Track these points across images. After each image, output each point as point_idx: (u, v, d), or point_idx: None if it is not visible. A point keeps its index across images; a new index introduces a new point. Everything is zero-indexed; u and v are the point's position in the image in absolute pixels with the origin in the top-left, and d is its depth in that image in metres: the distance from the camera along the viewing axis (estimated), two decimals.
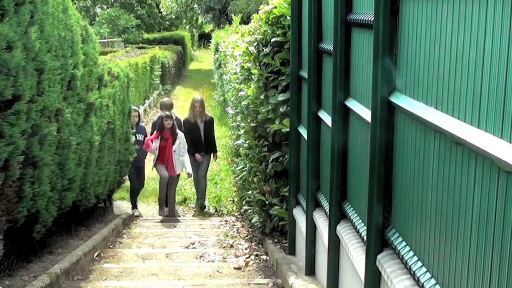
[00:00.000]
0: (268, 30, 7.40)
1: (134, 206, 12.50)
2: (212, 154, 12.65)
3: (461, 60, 2.60)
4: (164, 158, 11.74)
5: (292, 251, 7.10)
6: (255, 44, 7.67)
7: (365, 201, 3.98)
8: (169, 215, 12.05)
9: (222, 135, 17.88)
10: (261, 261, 7.69)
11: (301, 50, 6.64)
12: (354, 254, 4.31)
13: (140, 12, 48.48)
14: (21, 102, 5.60)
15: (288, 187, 7.14)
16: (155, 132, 11.86)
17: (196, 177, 12.49)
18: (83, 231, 8.91)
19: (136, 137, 11.79)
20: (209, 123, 12.49)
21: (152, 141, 11.59)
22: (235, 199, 11.94)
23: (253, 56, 7.70)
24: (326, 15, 5.58)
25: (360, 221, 4.41)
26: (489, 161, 2.35)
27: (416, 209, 3.26)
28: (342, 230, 4.77)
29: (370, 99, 3.70)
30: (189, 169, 11.83)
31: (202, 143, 12.31)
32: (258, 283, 6.68)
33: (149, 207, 13.36)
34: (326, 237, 5.24)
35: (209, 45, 40.44)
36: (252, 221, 8.50)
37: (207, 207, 12.77)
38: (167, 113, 11.81)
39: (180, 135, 11.81)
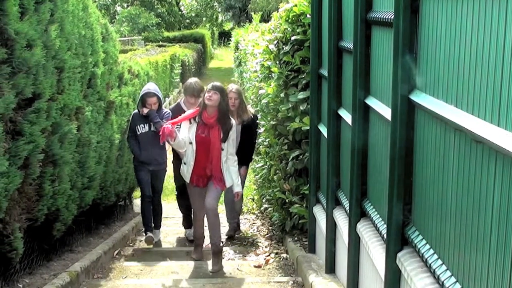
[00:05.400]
0: (288, 28, 7.39)
1: (147, 229, 8.66)
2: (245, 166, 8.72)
3: (481, 58, 2.58)
4: (204, 163, 7.08)
5: (312, 249, 7.08)
6: (275, 42, 7.65)
7: (385, 199, 3.96)
8: (212, 267, 7.32)
9: None
10: (281, 259, 7.68)
11: (321, 48, 6.62)
12: (374, 252, 4.29)
13: (160, 10, 48.74)
14: (41, 100, 5.63)
15: (308, 185, 7.12)
16: (188, 112, 7.21)
17: (226, 195, 8.72)
18: (103, 229, 8.94)
19: (150, 126, 8.22)
20: (249, 126, 8.51)
21: (174, 127, 6.71)
22: (255, 197, 11.90)
23: (273, 54, 7.69)
24: (346, 13, 5.56)
25: (380, 219, 4.39)
26: (509, 159, 2.33)
27: (436, 207, 3.24)
28: (362, 228, 4.75)
29: (390, 97, 3.69)
30: (238, 186, 7.41)
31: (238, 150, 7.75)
32: (278, 281, 6.67)
33: (167, 206, 12.60)
34: (346, 235, 5.22)
35: (229, 43, 40.41)
36: (272, 219, 8.48)
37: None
38: (216, 84, 7.13)
39: (234, 125, 7.23)
